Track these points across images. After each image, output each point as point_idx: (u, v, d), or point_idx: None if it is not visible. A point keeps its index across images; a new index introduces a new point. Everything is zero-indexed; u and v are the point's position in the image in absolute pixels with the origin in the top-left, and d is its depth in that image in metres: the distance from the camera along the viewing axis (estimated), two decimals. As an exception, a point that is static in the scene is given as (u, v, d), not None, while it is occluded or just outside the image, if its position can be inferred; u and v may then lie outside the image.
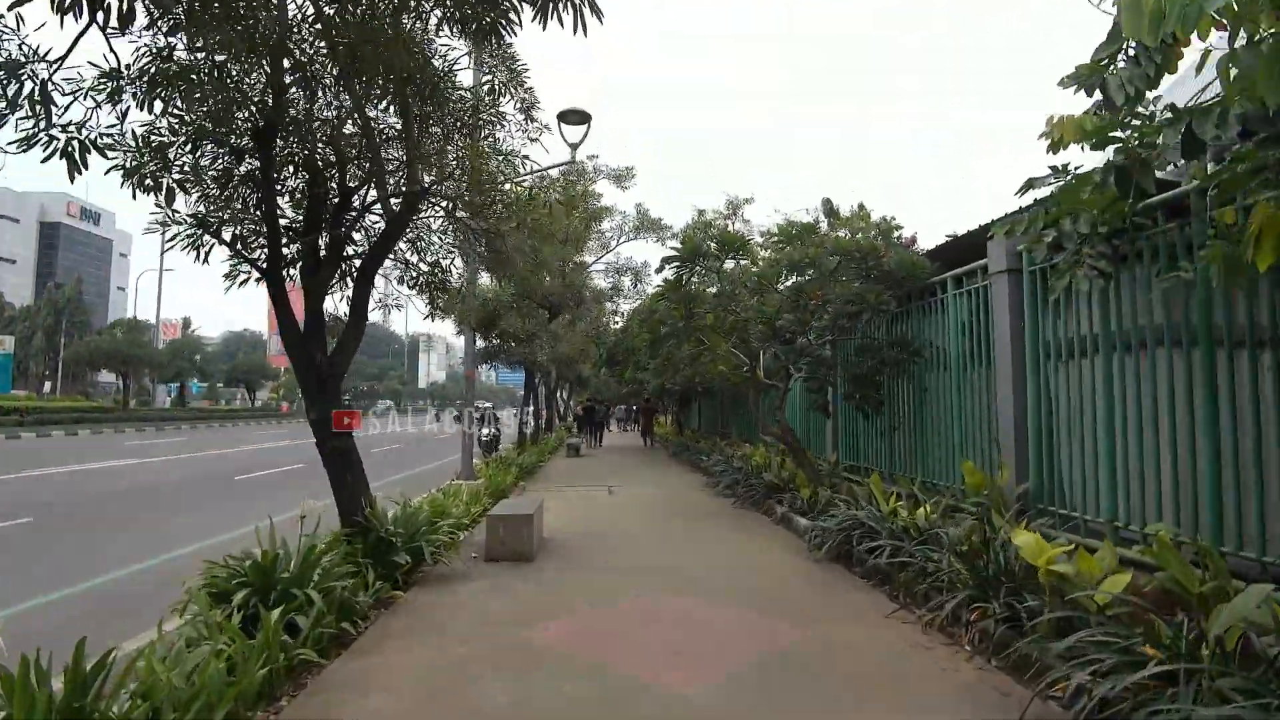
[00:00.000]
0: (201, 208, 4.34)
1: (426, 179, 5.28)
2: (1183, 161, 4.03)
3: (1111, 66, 3.99)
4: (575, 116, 9.95)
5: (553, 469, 14.78)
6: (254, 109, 4.29)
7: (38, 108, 2.95)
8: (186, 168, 4.10)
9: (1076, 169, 5.15)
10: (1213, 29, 2.61)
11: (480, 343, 15.37)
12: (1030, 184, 5.41)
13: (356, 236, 5.73)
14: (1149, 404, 4.47)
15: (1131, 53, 3.92)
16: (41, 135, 3.12)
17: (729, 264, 8.51)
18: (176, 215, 4.18)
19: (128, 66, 3.49)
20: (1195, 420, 4.09)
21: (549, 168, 5.64)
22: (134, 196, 3.94)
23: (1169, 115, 3.39)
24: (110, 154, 3.46)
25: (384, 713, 3.00)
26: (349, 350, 5.09)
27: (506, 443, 17.30)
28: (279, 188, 4.99)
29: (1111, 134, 4.32)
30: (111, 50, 3.23)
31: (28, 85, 2.94)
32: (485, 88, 5.77)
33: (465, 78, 5.97)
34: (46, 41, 3.11)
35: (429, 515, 5.75)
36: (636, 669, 3.44)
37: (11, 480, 12.64)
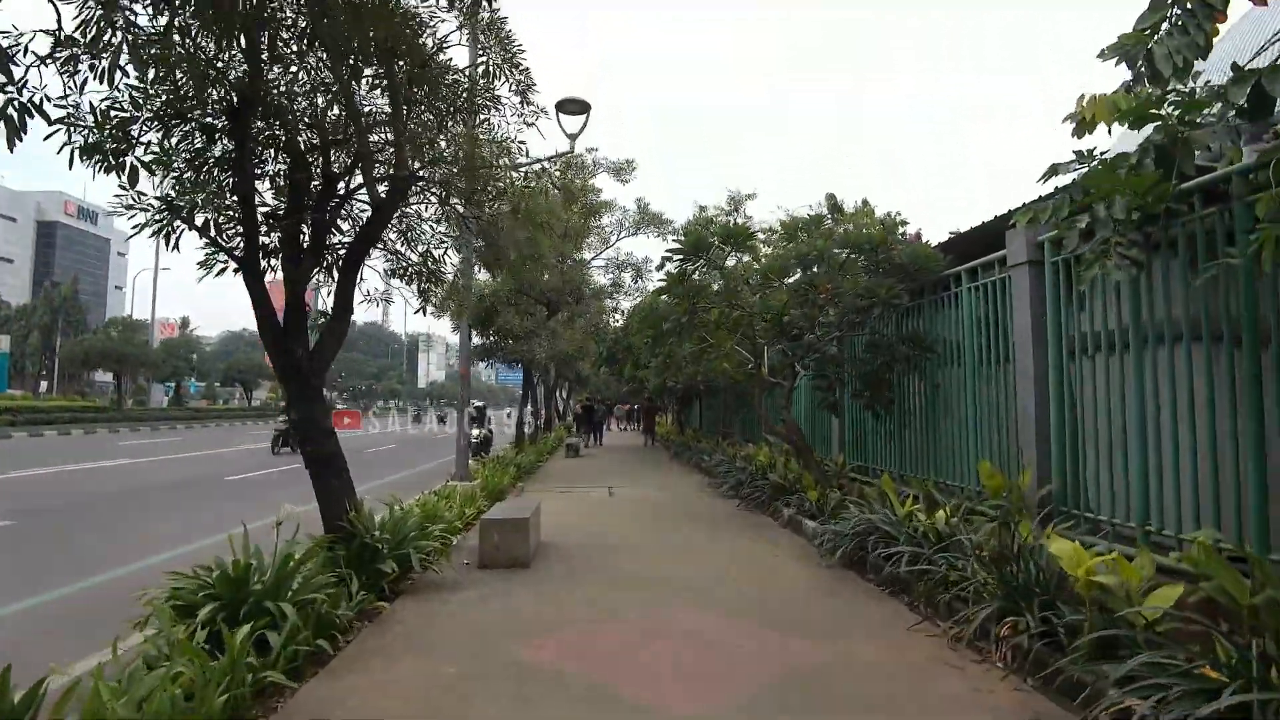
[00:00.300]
0: (171, 191, 4.03)
1: (416, 164, 4.97)
2: (1222, 145, 3.74)
3: (1156, 36, 3.69)
4: (574, 106, 9.63)
5: (551, 469, 14.48)
6: (229, 87, 3.98)
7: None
8: (154, 147, 3.79)
9: (1103, 154, 4.87)
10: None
11: (477, 340, 15.06)
12: (1054, 170, 5.11)
13: (344, 226, 5.43)
14: (1185, 401, 4.17)
15: (1179, 21, 3.61)
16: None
17: (730, 261, 8.25)
18: (144, 199, 3.87)
19: (83, 33, 3.17)
20: (1239, 418, 3.79)
21: (547, 158, 5.32)
22: (93, 177, 3.64)
23: (1226, 79, 3.10)
24: (58, 123, 3.15)
25: (360, 744, 2.70)
26: (333, 346, 4.79)
27: (503, 443, 17.00)
28: (257, 171, 4.68)
29: (1152, 111, 4.02)
30: (57, 14, 2.92)
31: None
32: (479, 69, 5.48)
33: (459, 58, 5.66)
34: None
35: (419, 519, 5.44)
36: (641, 693, 3.13)
37: (-4, 481, 12.32)
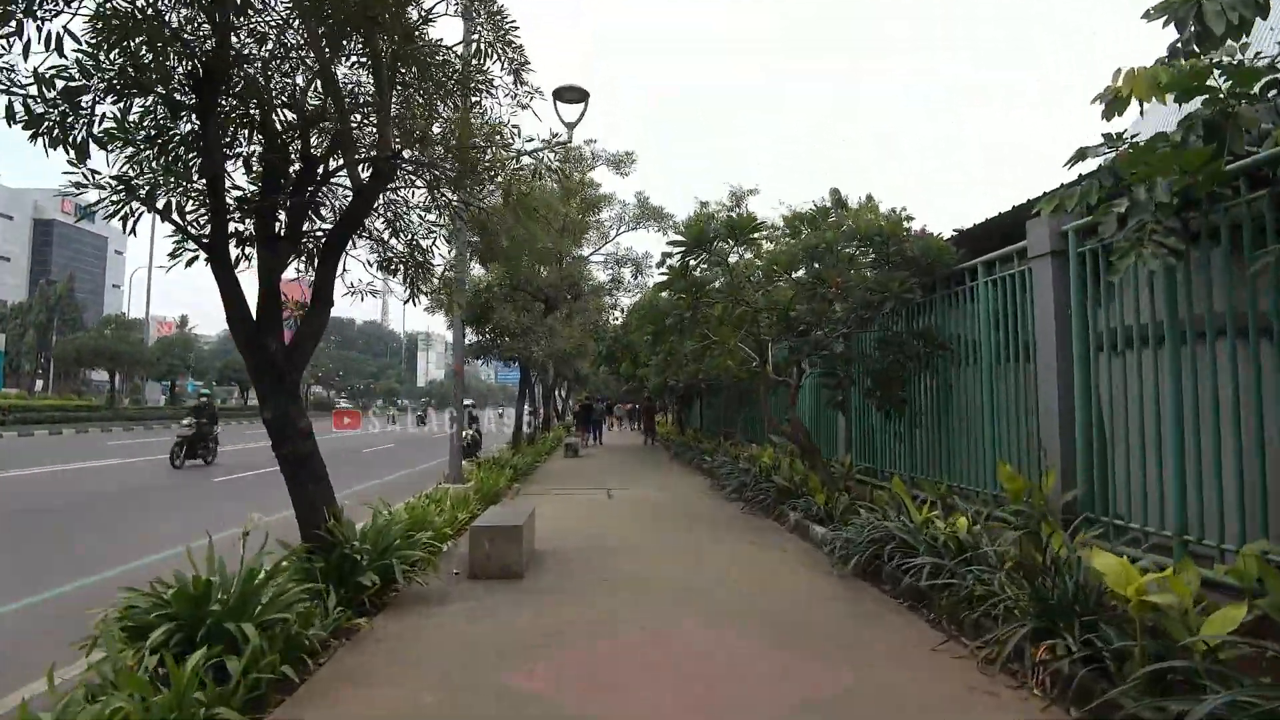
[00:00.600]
0: (130, 170, 3.68)
1: (400, 145, 4.64)
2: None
3: (1204, -5, 3.35)
4: (571, 94, 9.31)
5: (550, 470, 14.14)
6: (193, 56, 3.64)
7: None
8: (109, 121, 3.45)
9: (1133, 138, 4.53)
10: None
11: (473, 337, 14.70)
12: (1082, 154, 4.76)
13: (324, 213, 5.09)
14: (1229, 400, 3.84)
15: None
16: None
17: (733, 258, 7.94)
18: (98, 177, 3.52)
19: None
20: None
21: (543, 141, 4.98)
22: (47, 154, 3.30)
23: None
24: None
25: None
26: (310, 340, 4.45)
27: (498, 444, 16.62)
28: (229, 151, 4.34)
29: (1201, 83, 3.68)
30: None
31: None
32: (470, 48, 5.15)
33: (448, 34, 5.33)
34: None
35: (406, 526, 5.11)
36: (642, 726, 2.80)
37: (-22, 482, 11.98)
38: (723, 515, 8.46)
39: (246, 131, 4.47)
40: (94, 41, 3.20)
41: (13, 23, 2.91)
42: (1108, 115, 4.31)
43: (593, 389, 33.93)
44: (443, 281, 5.86)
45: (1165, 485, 4.29)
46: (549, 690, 3.16)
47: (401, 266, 5.14)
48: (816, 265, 7.44)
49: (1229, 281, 3.92)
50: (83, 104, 3.28)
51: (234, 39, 4.00)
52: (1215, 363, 4.00)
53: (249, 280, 4.39)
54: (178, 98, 3.78)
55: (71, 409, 33.42)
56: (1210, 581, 3.49)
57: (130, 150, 3.71)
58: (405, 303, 5.24)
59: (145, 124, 3.77)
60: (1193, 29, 3.36)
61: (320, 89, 4.62)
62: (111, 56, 3.27)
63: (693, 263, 7.76)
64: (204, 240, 4.00)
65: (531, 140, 4.81)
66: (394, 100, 5.00)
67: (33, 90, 3.14)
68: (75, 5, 3.27)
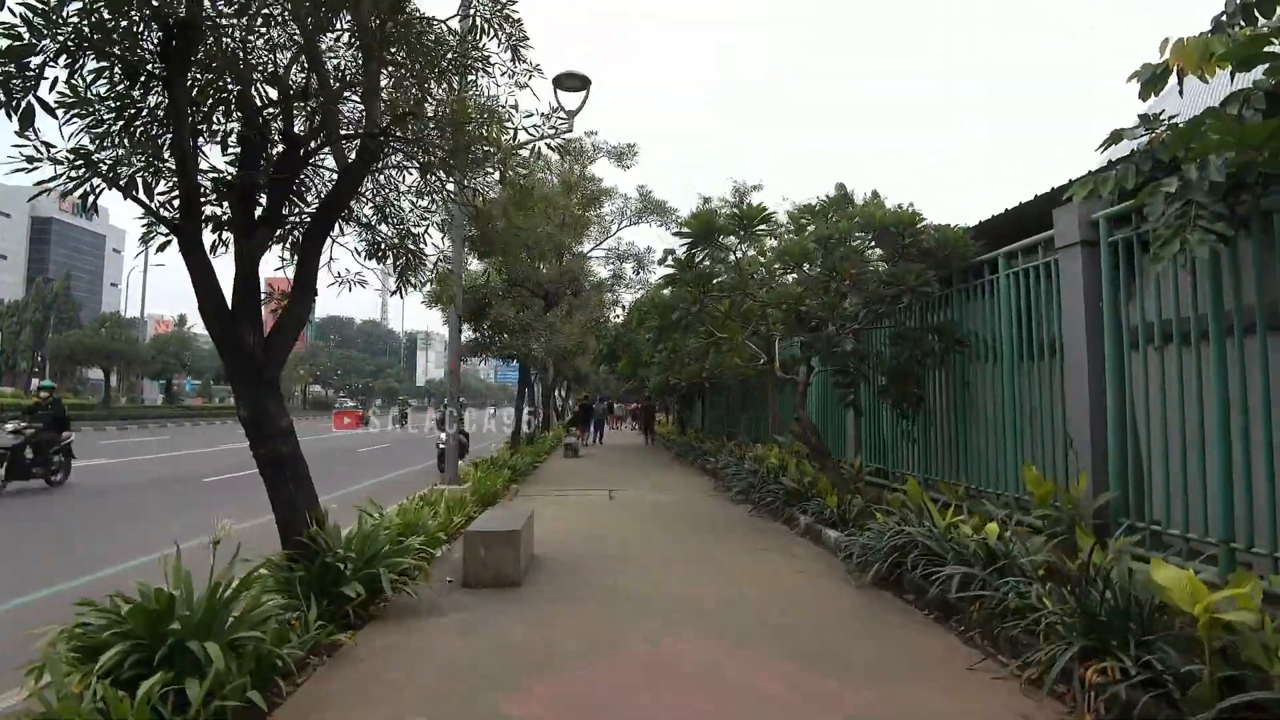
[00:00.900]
0: (89, 142, 3.36)
1: (390, 126, 4.32)
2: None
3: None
4: (573, 81, 8.96)
5: (549, 470, 13.82)
6: (159, 12, 3.32)
7: None
8: (63, 86, 3.12)
9: (1172, 119, 4.23)
10: None
11: (471, 334, 14.35)
12: (1117, 136, 4.46)
13: (308, 197, 4.77)
14: (1283, 398, 3.53)
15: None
16: None
17: (737, 254, 7.64)
18: (54, 151, 3.20)
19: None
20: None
21: (543, 123, 4.67)
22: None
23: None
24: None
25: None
26: (291, 331, 4.13)
27: (493, 444, 16.22)
28: (203, 128, 4.01)
29: (1259, 50, 3.37)
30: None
31: None
32: (467, 23, 4.83)
33: (442, 8, 5.01)
34: None
35: (396, 531, 4.79)
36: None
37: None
38: (729, 518, 8.14)
39: (223, 107, 4.14)
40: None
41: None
42: (1145, 94, 4.00)
43: (593, 388, 33.63)
44: (437, 273, 5.54)
45: (1210, 489, 3.99)
46: (547, 716, 2.84)
47: (391, 254, 4.81)
48: (829, 257, 7.13)
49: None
50: (30, 65, 2.95)
51: (208, 3, 3.68)
52: (1267, 358, 3.70)
53: (232, 269, 4.08)
54: (144, 61, 3.44)
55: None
56: (1271, 595, 3.18)
57: (91, 121, 3.39)
58: (393, 294, 4.93)
59: (108, 94, 3.44)
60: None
61: (304, 64, 4.31)
62: (65, 14, 2.95)
63: (699, 255, 7.47)
64: (173, 220, 3.67)
65: (530, 115, 4.49)
66: (385, 81, 4.69)
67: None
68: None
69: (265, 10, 3.98)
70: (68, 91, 3.15)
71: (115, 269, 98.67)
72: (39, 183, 3.25)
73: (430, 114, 4.65)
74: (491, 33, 4.76)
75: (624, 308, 18.58)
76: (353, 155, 4.37)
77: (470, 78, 5.01)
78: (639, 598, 4.62)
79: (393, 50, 4.36)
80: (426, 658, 3.48)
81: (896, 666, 3.42)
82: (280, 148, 4.31)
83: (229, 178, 4.14)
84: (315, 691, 3.08)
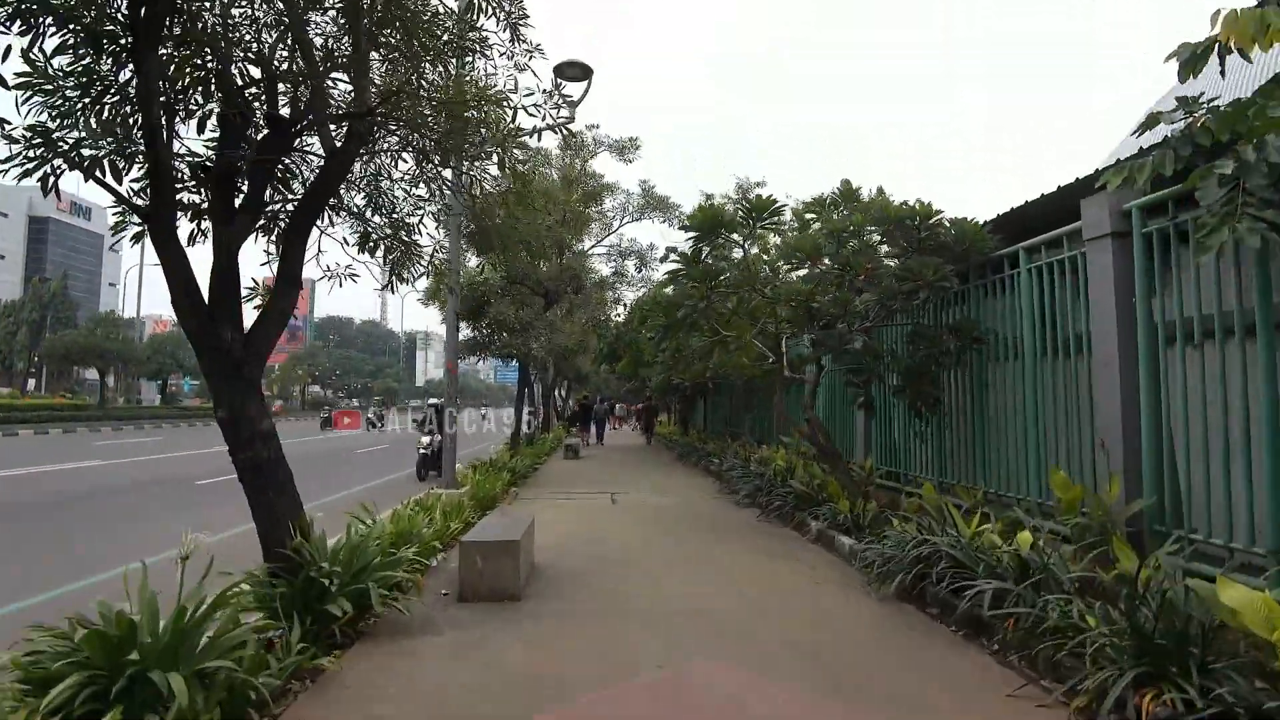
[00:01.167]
0: (51, 121, 3.07)
1: (382, 106, 4.02)
2: None
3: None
4: (574, 71, 8.69)
5: (549, 472, 13.51)
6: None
7: None
8: (20, 57, 2.83)
9: (1212, 101, 3.94)
10: None
11: (469, 333, 14.05)
12: (1154, 120, 4.17)
13: (294, 185, 4.48)
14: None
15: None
16: None
17: (739, 252, 7.36)
18: (9, 128, 2.91)
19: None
20: None
21: (545, 122, 4.38)
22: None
23: None
24: None
25: None
26: (275, 326, 3.83)
27: (488, 446, 15.90)
28: (179, 109, 3.72)
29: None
30: None
31: None
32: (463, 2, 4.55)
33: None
34: None
35: (388, 541, 4.50)
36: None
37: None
38: (736, 523, 7.84)
39: (201, 86, 3.85)
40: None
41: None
42: (1184, 76, 3.71)
43: (594, 388, 33.32)
44: (433, 266, 5.25)
45: (1257, 496, 3.72)
46: (551, 755, 2.55)
47: (383, 246, 4.52)
48: (841, 251, 6.85)
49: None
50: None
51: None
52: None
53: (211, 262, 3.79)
54: (115, 39, 3.16)
55: (59, 408, 32.70)
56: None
57: (54, 98, 3.10)
58: (383, 288, 4.64)
59: (71, 67, 3.15)
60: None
61: (290, 41, 4.02)
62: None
63: (704, 250, 7.19)
64: (142, 205, 3.38)
65: (530, 94, 4.20)
66: (378, 66, 4.41)
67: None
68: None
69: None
70: (24, 64, 2.86)
71: (114, 268, 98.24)
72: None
73: (425, 95, 4.38)
74: (490, 10, 4.48)
75: (625, 306, 18.28)
76: (341, 139, 4.09)
77: (467, 60, 4.74)
78: (648, 613, 4.32)
79: (386, 31, 4.08)
80: (417, 684, 3.18)
81: (932, 694, 3.14)
82: (264, 130, 4.03)
83: (207, 162, 3.85)
84: (293, 725, 2.79)
